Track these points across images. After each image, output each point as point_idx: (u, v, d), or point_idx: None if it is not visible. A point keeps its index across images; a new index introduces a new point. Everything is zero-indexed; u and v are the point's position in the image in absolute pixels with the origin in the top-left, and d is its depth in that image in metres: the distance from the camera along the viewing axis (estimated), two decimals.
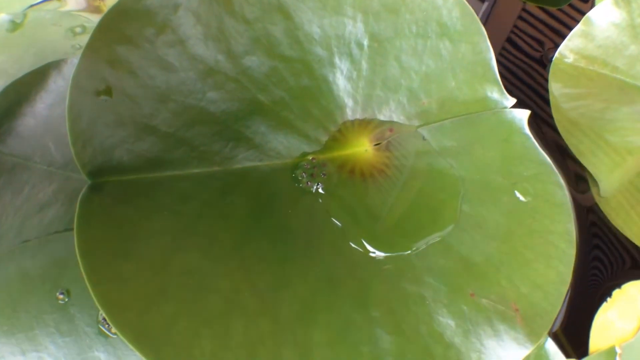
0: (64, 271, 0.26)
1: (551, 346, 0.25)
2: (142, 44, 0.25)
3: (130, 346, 0.19)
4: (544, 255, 0.27)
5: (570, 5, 0.44)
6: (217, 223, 0.25)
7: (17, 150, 0.31)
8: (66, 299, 0.25)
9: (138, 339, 0.20)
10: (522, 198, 0.29)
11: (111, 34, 0.24)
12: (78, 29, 0.38)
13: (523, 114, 0.32)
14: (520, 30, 0.44)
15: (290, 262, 0.26)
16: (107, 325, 0.25)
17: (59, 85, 0.32)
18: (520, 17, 0.44)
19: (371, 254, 0.27)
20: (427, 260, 0.27)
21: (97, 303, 0.20)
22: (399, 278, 0.26)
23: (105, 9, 0.40)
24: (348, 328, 0.24)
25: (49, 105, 0.32)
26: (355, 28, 0.32)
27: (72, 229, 0.27)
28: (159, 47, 0.26)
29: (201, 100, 0.27)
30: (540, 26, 0.44)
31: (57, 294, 0.26)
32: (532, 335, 0.24)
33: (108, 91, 0.24)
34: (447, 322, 0.25)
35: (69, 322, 0.25)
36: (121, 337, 0.19)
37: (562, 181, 0.29)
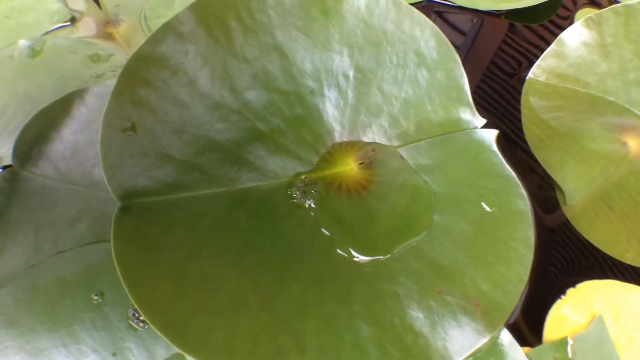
0: (96, 276, 0.31)
1: (507, 336, 0.30)
2: (159, 86, 0.30)
3: (161, 335, 0.24)
4: (504, 259, 0.32)
5: (552, 23, 0.47)
6: (225, 235, 0.30)
7: (48, 172, 0.35)
8: (100, 300, 0.30)
9: (166, 330, 0.25)
10: (487, 209, 0.34)
11: (133, 78, 0.29)
12: (95, 57, 0.42)
13: (491, 134, 0.36)
14: (504, 50, 0.48)
15: (286, 267, 0.30)
16: (136, 321, 0.30)
17: (82, 113, 0.37)
18: (506, 37, 0.48)
19: (355, 259, 0.32)
20: (401, 263, 0.32)
21: (133, 302, 0.25)
22: (377, 278, 0.31)
23: (117, 36, 0.45)
24: (334, 320, 0.29)
25: (74, 131, 0.37)
26: (342, 62, 0.36)
27: (102, 241, 0.33)
28: (173, 87, 0.30)
29: (209, 131, 0.32)
30: (525, 45, 0.48)
31: (92, 295, 0.31)
32: (490, 326, 0.29)
33: (133, 128, 0.29)
34: (417, 315, 0.30)
35: (103, 319, 0.30)
36: (153, 328, 0.24)
37: (524, 192, 0.34)
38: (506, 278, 0.31)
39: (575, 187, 0.38)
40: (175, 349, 0.29)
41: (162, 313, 0.25)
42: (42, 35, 0.43)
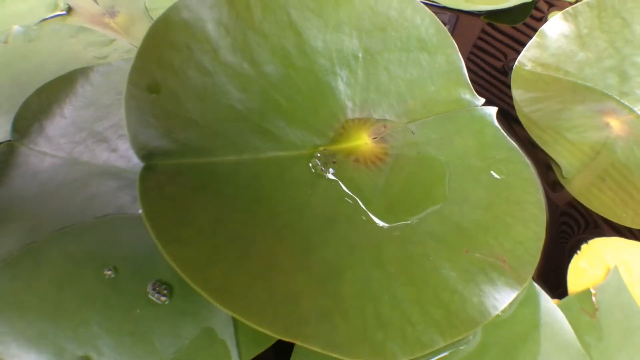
0: (107, 251, 0.29)
1: (536, 289, 0.31)
2: (183, 50, 0.29)
3: (202, 293, 0.23)
4: (521, 219, 0.33)
5: (525, 24, 0.52)
6: (252, 201, 0.29)
7: (48, 148, 0.33)
8: (114, 275, 0.28)
9: (206, 288, 0.23)
10: (497, 176, 0.35)
11: (158, 40, 0.29)
12: (96, 41, 0.41)
13: (492, 110, 0.38)
14: (484, 43, 0.52)
15: (314, 232, 0.30)
16: (157, 295, 0.27)
17: (86, 90, 0.35)
18: (483, 32, 0.52)
19: (379, 225, 0.32)
20: (426, 227, 0.32)
21: (168, 259, 0.23)
22: (406, 242, 0.31)
23: (116, 26, 0.44)
24: (369, 282, 0.28)
25: (78, 108, 0.35)
26: (351, 43, 0.38)
27: (108, 215, 0.30)
28: (196, 53, 0.30)
29: (231, 99, 0.31)
30: (503, 39, 0.52)
31: (105, 270, 0.28)
32: (519, 279, 0.30)
33: (157, 89, 0.28)
34: (450, 274, 0.30)
35: (118, 295, 0.27)
36: (193, 286, 0.23)
37: (528, 161, 0.36)
38: (525, 236, 0.32)
39: (569, 162, 0.41)
40: (205, 324, 0.27)
41: (200, 271, 0.24)
42: (37, 23, 0.42)
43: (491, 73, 0.48)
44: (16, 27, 0.42)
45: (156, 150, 0.27)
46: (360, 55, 0.38)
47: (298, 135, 0.34)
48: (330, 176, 0.33)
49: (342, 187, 0.33)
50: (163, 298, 0.27)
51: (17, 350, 0.25)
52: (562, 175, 0.41)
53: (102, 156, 0.33)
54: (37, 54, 0.40)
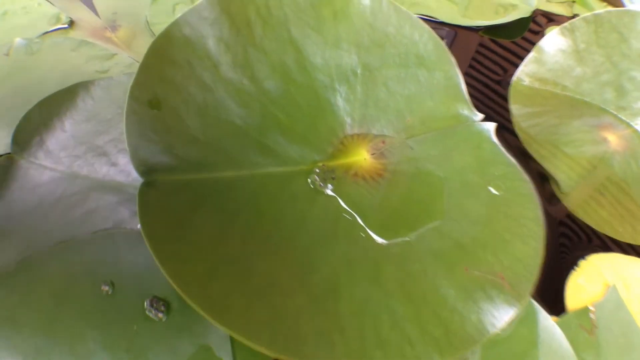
0: (104, 266, 0.29)
1: (535, 307, 0.30)
2: (184, 66, 0.30)
3: (200, 311, 0.22)
4: (519, 235, 0.33)
5: (523, 38, 0.53)
6: (250, 217, 0.29)
7: (48, 162, 0.33)
8: (111, 290, 0.28)
9: (204, 306, 0.23)
10: (495, 192, 0.35)
11: (160, 56, 0.29)
12: (98, 55, 0.41)
13: (490, 126, 0.39)
14: (482, 57, 0.52)
15: (313, 249, 0.30)
16: (154, 311, 0.27)
17: (87, 104, 0.35)
18: (481, 46, 0.53)
19: (378, 241, 0.32)
20: (425, 244, 0.32)
21: (166, 276, 0.23)
22: (405, 259, 0.31)
23: (117, 41, 0.45)
24: (368, 301, 0.28)
25: (79, 122, 0.35)
26: (350, 59, 0.38)
27: (105, 230, 0.30)
28: (197, 69, 0.30)
29: (232, 115, 0.31)
30: (503, 53, 0.52)
31: (102, 286, 0.28)
32: (518, 296, 0.30)
33: (158, 105, 0.28)
34: (448, 292, 0.30)
35: (115, 311, 0.27)
36: (191, 303, 0.23)
37: (527, 177, 0.36)
38: (524, 252, 0.32)
39: (567, 176, 0.41)
40: (201, 341, 0.27)
41: (198, 288, 0.24)
42: (39, 36, 0.42)
43: (490, 86, 0.49)
44: (18, 40, 0.42)
45: (156, 166, 0.27)
46: (359, 71, 0.38)
47: (297, 151, 0.34)
48: (329, 192, 0.33)
49: (340, 204, 0.33)
50: (160, 315, 0.27)
51: None
52: (560, 190, 0.41)
53: (102, 170, 0.33)
54: (38, 67, 0.40)
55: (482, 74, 0.50)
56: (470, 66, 0.52)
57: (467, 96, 0.40)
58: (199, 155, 0.29)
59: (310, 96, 0.36)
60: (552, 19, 0.55)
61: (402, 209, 0.34)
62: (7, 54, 0.42)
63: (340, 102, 0.37)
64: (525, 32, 0.52)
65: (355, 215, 0.32)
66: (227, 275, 0.25)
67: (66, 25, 0.45)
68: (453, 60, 0.41)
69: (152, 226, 0.25)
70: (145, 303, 0.27)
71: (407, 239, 0.32)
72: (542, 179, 0.42)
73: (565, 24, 0.45)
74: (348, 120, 0.38)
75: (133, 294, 0.28)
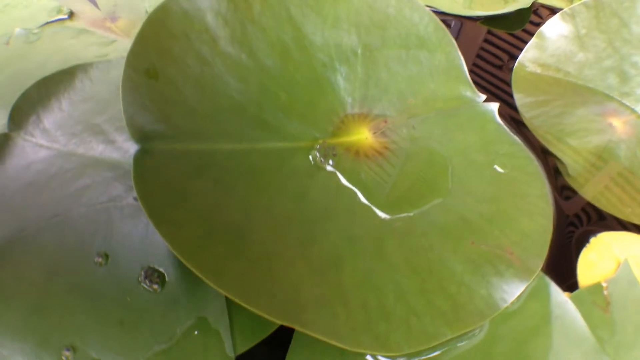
0: (102, 239, 0.28)
1: (546, 281, 0.29)
2: (182, 38, 0.29)
3: (197, 272, 0.22)
4: (527, 212, 0.32)
5: (525, 30, 0.53)
6: (250, 190, 0.28)
7: (44, 140, 0.33)
8: (104, 262, 0.27)
9: (201, 268, 0.22)
10: (501, 170, 0.35)
11: (157, 27, 0.28)
12: (97, 42, 0.41)
13: (494, 107, 0.38)
14: (490, 45, 0.52)
15: (313, 223, 0.29)
16: (148, 282, 0.26)
17: (85, 85, 0.35)
18: (489, 34, 0.52)
19: (381, 217, 0.31)
20: (430, 219, 0.31)
21: (163, 238, 0.22)
22: (409, 233, 0.30)
23: (117, 30, 0.45)
24: (371, 274, 0.27)
25: (76, 102, 0.34)
26: (350, 39, 0.38)
27: (99, 204, 0.30)
28: (195, 42, 0.30)
29: (230, 89, 0.31)
30: (510, 39, 0.52)
31: (95, 257, 0.27)
32: (528, 270, 0.29)
33: (155, 74, 0.28)
34: (456, 265, 0.28)
35: (108, 283, 0.26)
36: (187, 265, 0.22)
37: (532, 155, 0.35)
38: (531, 228, 0.31)
39: (574, 161, 0.40)
40: (198, 314, 0.25)
41: (194, 252, 0.23)
42: (41, 25, 0.42)
43: (493, 73, 0.48)
44: (18, 30, 0.42)
45: (152, 134, 0.27)
46: (359, 51, 0.38)
47: (297, 127, 0.33)
48: (330, 168, 0.32)
49: (341, 179, 0.32)
50: (155, 286, 0.26)
51: (0, 339, 0.23)
52: (567, 173, 0.40)
53: (99, 148, 0.32)
54: (37, 54, 0.40)
55: (488, 62, 0.50)
56: (478, 56, 0.51)
57: (469, 78, 0.40)
58: (196, 126, 0.28)
59: (310, 75, 0.36)
60: (555, 11, 0.55)
61: (404, 186, 0.33)
62: (7, 44, 0.42)
63: (340, 81, 0.37)
64: (527, 24, 0.52)
65: (357, 190, 0.32)
66: (224, 242, 0.24)
67: (66, 16, 0.45)
68: (454, 42, 0.40)
69: (147, 191, 0.24)
70: (139, 275, 0.26)
71: (411, 214, 0.31)
72: (546, 161, 0.41)
73: (566, 9, 0.44)
74: (349, 99, 0.37)
75: (127, 265, 0.27)
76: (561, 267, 0.32)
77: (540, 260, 0.29)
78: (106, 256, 0.27)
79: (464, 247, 0.29)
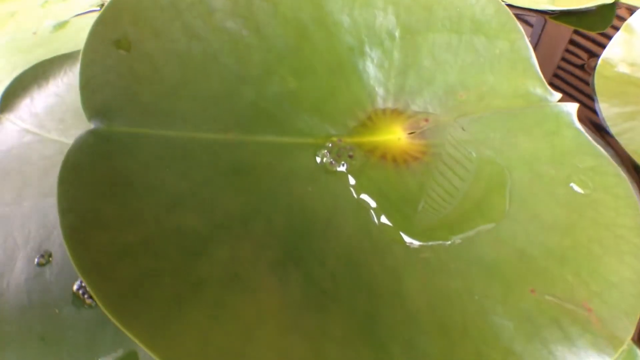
0: (46, 237, 0.23)
1: (638, 354, 0.20)
2: (167, 9, 0.25)
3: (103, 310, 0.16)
4: (614, 250, 0.22)
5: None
6: (224, 192, 0.22)
7: (32, 125, 0.30)
8: (44, 262, 0.22)
9: (105, 302, 0.16)
10: (579, 190, 0.25)
11: None
12: None
13: (571, 108, 0.29)
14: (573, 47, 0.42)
15: (305, 240, 0.22)
16: (82, 293, 0.21)
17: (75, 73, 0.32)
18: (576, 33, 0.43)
19: (406, 242, 0.23)
20: (473, 251, 0.23)
21: (65, 241, 0.17)
22: (440, 269, 0.22)
23: None
24: (372, 321, 0.19)
25: (73, 87, 0.32)
26: (386, 20, 0.31)
27: None
28: (185, 14, 0.25)
29: (222, 70, 0.25)
30: (581, 39, 0.42)
31: (37, 257, 0.22)
32: (612, 339, 0.19)
33: (126, 45, 0.23)
34: (503, 323, 0.20)
35: (42, 288, 0.21)
36: (95, 298, 0.16)
37: (623, 174, 0.26)
38: (621, 275, 0.22)
39: None
40: (130, 346, 0.20)
41: (105, 266, 0.17)
42: (72, 17, 0.42)
43: (573, 72, 0.39)
44: (47, 21, 0.42)
45: (111, 114, 0.22)
46: (397, 34, 0.31)
47: (306, 120, 0.27)
48: (341, 169, 0.25)
49: (354, 188, 0.25)
50: (90, 300, 0.21)
51: None
52: None
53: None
54: (56, 42, 0.40)
55: (565, 60, 0.40)
56: (563, 59, 0.42)
57: (539, 72, 0.30)
58: (170, 109, 0.23)
59: (331, 59, 0.29)
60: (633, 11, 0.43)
61: (443, 204, 0.25)
62: (34, 33, 0.42)
63: (370, 68, 0.30)
64: (610, 24, 0.41)
65: (375, 203, 0.24)
66: (161, 254, 0.18)
67: (98, 8, 0.44)
68: (521, 29, 0.31)
69: (74, 175, 0.19)
70: (75, 283, 0.21)
71: (447, 243, 0.23)
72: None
73: None
74: (380, 91, 0.30)
75: (66, 270, 0.22)
76: None
77: (631, 324, 0.20)
78: (49, 256, 0.22)
79: (518, 296, 0.21)
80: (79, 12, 0.45)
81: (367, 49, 0.30)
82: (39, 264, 0.22)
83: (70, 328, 0.20)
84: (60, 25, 0.41)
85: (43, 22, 0.43)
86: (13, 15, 0.43)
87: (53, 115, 0.30)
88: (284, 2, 0.28)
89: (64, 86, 0.32)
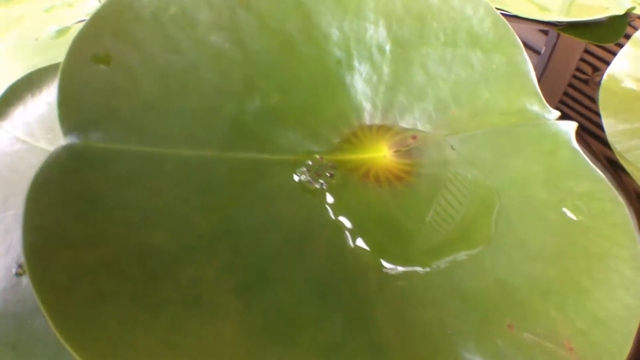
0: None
1: None
2: (148, 21, 0.24)
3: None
4: (604, 283, 0.21)
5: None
6: (195, 211, 0.22)
7: (22, 133, 0.31)
8: (22, 272, 0.22)
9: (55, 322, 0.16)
10: (572, 216, 0.24)
11: (120, 6, 0.24)
12: None
13: (569, 127, 0.27)
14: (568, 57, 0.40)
15: (275, 263, 0.21)
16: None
17: None
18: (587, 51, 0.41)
19: (384, 269, 0.22)
20: (452, 279, 0.22)
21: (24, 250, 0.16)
22: (414, 298, 0.21)
23: None
24: (335, 354, 0.19)
25: None
26: (376, 33, 0.30)
27: None
28: (167, 26, 0.25)
29: (202, 84, 0.25)
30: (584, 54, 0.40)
31: (14, 267, 0.23)
32: None
33: (106, 59, 0.23)
34: None
35: (18, 298, 0.22)
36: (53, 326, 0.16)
37: (620, 199, 0.24)
38: (610, 311, 0.20)
39: None
40: None
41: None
42: (75, 23, 0.42)
43: (576, 86, 0.37)
44: (50, 27, 0.43)
45: (88, 129, 0.22)
46: (387, 47, 0.30)
47: (288, 136, 0.26)
48: (321, 191, 0.25)
49: (332, 208, 0.24)
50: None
51: None
52: None
53: None
54: (54, 49, 0.40)
55: (579, 78, 0.38)
56: (575, 76, 0.40)
57: (537, 88, 0.29)
58: (148, 123, 0.23)
59: (317, 73, 0.28)
60: None
61: (423, 228, 0.24)
62: (36, 39, 0.42)
63: (358, 83, 0.29)
64: (622, 36, 0.39)
65: (351, 224, 0.23)
66: (123, 274, 0.18)
67: None
68: (520, 43, 0.30)
69: (44, 190, 0.18)
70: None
71: (426, 269, 0.22)
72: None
73: None
74: (368, 106, 0.29)
75: None
76: None
77: None
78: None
79: (494, 331, 0.19)
80: (82, 19, 0.45)
81: (355, 62, 0.29)
82: (17, 274, 0.22)
83: (40, 340, 0.20)
84: (62, 31, 0.42)
85: (46, 27, 0.44)
86: (19, 20, 0.44)
87: (43, 124, 0.31)
88: (270, 14, 0.28)
89: (48, 98, 0.32)
